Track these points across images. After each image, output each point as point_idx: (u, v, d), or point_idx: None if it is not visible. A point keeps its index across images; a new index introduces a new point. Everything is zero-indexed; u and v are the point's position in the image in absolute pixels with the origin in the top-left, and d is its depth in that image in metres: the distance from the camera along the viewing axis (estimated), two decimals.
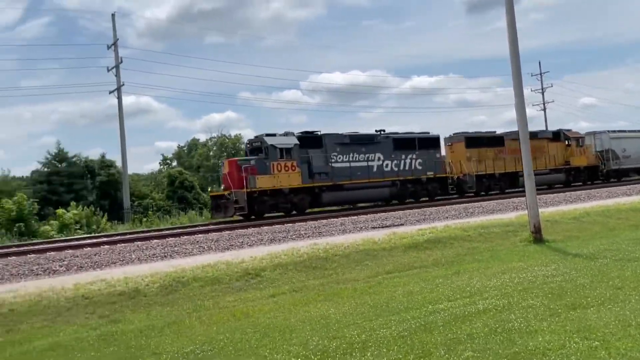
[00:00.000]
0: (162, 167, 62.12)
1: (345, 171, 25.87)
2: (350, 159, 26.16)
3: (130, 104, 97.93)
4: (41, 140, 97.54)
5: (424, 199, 28.09)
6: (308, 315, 7.07)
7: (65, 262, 12.27)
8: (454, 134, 31.88)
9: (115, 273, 10.51)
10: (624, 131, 39.54)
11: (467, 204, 22.76)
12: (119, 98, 34.53)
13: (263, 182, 22.97)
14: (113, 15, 35.09)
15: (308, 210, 24.67)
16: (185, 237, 16.30)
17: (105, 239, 17.26)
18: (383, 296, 7.88)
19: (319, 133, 26.18)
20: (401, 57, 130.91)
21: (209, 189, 27.28)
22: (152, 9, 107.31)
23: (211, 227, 19.80)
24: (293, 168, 24.04)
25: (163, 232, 18.78)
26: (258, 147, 24.38)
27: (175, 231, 18.76)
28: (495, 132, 33.44)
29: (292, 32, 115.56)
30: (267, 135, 24.68)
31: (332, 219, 19.42)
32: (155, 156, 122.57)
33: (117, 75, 34.30)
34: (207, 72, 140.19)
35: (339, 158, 25.90)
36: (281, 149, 23.98)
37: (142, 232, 20.78)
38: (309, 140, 25.57)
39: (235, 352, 5.75)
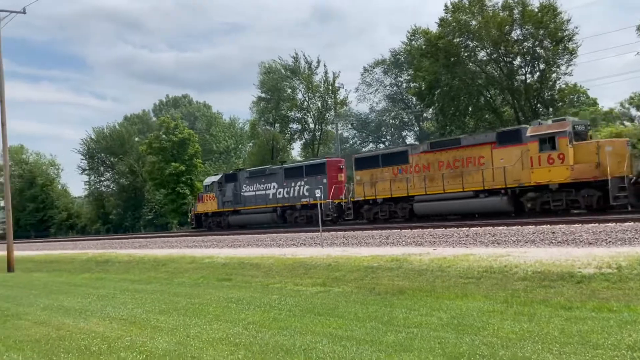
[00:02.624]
0: None
1: (251, 199, 32.61)
2: (255, 189, 32.57)
3: None
4: None
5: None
6: None
7: None
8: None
9: None
10: None
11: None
12: None
13: (199, 208, 36.32)
14: None
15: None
16: None
17: None
18: None
19: (242, 169, 35.48)
20: None
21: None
22: None
23: None
24: (212, 198, 35.03)
25: None
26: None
27: None
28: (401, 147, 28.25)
29: None
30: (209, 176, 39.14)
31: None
32: None
33: None
34: None
35: (248, 188, 33.01)
36: (205, 186, 36.37)
37: None
38: (229, 176, 34.78)
39: None
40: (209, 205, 35.29)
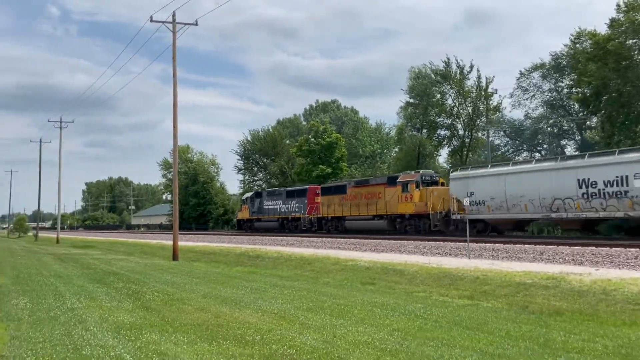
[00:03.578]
0: None
1: (268, 211, 46.07)
2: (270, 204, 45.96)
3: None
4: None
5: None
6: None
7: None
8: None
9: None
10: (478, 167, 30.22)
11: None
12: None
13: (239, 215, 51.59)
14: None
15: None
16: None
17: None
18: None
19: (265, 189, 53.43)
20: None
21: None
22: None
23: None
24: (247, 209, 49.51)
25: None
26: None
27: None
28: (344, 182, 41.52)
29: None
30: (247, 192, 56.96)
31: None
32: None
33: None
34: None
35: (266, 204, 46.47)
36: (243, 199, 52.15)
37: None
38: (257, 194, 49.87)
39: None
40: (245, 213, 49.79)
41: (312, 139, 56.05)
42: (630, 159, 21.59)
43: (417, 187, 31.28)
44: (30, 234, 78.93)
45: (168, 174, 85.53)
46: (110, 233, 79.28)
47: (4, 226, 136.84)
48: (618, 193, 21.63)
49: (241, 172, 74.59)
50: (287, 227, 43.58)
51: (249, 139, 72.67)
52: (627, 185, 21.32)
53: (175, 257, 23.54)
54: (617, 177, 21.69)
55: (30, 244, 46.65)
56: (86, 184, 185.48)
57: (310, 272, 17.04)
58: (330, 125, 62.69)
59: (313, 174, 53.45)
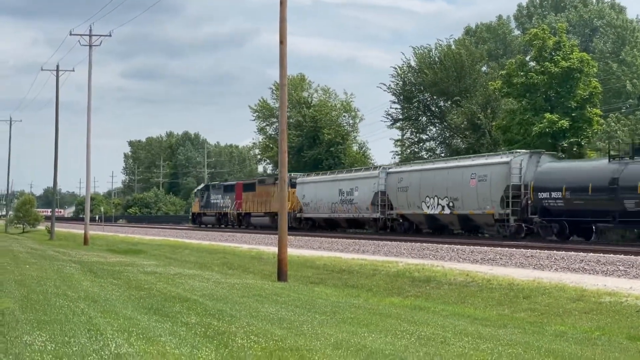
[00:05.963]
0: None
1: (212, 205, 46.70)
2: (214, 199, 46.49)
3: None
4: None
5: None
6: None
7: None
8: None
9: None
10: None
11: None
12: None
13: (193, 208, 52.46)
14: None
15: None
16: None
17: None
18: None
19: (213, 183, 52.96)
20: None
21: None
22: None
23: None
24: (197, 202, 49.94)
25: None
26: None
27: None
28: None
29: None
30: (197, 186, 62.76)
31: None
32: None
33: None
34: None
35: (212, 198, 46.77)
36: (194, 192, 53.72)
37: None
38: (206, 187, 50.09)
39: None
40: (196, 207, 50.16)
41: (534, 63, 31.93)
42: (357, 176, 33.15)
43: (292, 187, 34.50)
44: (41, 227, 51.93)
45: (268, 128, 53.31)
46: (172, 229, 48.85)
47: (1, 214, 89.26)
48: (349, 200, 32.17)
49: (397, 125, 44.34)
50: (223, 222, 45.55)
51: (413, 64, 42.60)
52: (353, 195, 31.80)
53: (281, 276, 14.81)
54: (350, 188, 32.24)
55: (41, 244, 32.27)
56: (130, 144, 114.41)
57: (526, 313, 10.40)
58: (568, 35, 36.06)
59: (533, 130, 29.55)
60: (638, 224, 20.11)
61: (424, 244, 21.57)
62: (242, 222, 42.56)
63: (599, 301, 10.07)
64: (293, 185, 35.64)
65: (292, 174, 36.67)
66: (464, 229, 27.69)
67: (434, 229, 28.83)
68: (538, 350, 6.40)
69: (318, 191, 35.27)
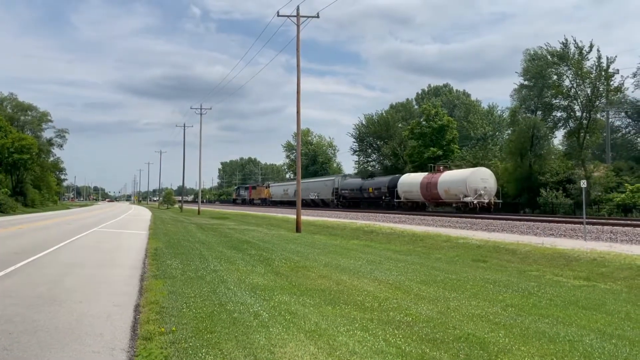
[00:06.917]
0: None
1: (241, 195, 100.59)
2: (241, 192, 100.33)
3: None
4: None
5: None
6: None
7: None
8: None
9: None
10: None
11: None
12: None
13: (234, 196, 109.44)
14: None
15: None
16: None
17: None
18: None
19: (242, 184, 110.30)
20: None
21: None
22: None
23: None
24: (237, 195, 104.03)
25: None
26: None
27: None
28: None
29: None
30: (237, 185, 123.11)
31: None
32: None
33: None
34: None
35: (241, 191, 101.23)
36: (235, 189, 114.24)
37: None
38: (237, 187, 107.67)
39: None
40: (233, 195, 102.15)
41: (424, 122, 55.24)
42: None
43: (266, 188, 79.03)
44: (176, 206, 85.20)
45: (291, 155, 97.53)
46: (242, 207, 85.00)
47: (155, 199, 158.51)
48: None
49: (356, 153, 76.14)
50: (244, 203, 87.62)
51: (364, 122, 73.48)
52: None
53: (298, 230, 24.50)
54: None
55: (176, 215, 50.52)
56: (221, 163, 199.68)
57: (422, 248, 16.93)
58: (442, 108, 60.93)
59: (424, 156, 52.55)
60: (377, 203, 48.02)
61: (364, 213, 38.79)
62: (250, 203, 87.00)
63: (457, 242, 16.63)
64: (268, 186, 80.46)
65: (267, 182, 77.31)
66: (323, 205, 60.26)
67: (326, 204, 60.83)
68: (427, 266, 12.35)
69: (276, 190, 77.29)
